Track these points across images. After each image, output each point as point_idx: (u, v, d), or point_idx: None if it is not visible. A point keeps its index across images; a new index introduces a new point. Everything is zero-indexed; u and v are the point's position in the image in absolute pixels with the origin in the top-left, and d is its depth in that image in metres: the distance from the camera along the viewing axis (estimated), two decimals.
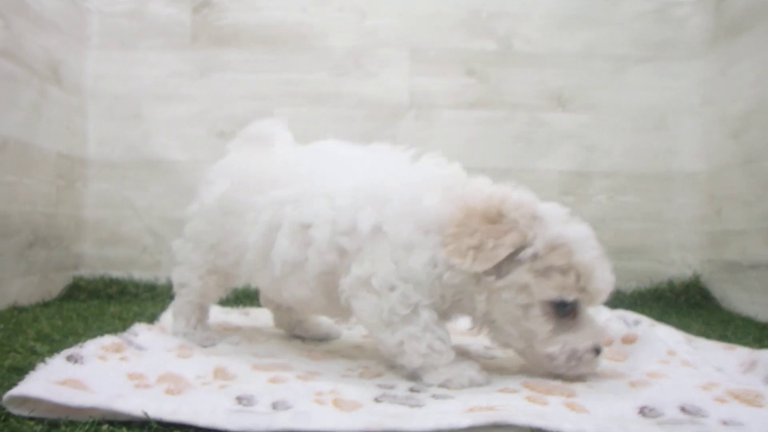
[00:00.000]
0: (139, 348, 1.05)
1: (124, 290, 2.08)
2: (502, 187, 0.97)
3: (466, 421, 0.73)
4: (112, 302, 1.93)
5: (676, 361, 1.02)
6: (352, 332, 1.41)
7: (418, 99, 2.23)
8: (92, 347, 0.95)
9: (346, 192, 0.99)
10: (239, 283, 1.37)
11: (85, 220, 2.23)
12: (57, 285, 2.02)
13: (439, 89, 2.23)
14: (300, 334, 1.35)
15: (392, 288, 0.93)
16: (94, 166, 2.26)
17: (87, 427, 0.71)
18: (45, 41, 1.92)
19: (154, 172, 2.25)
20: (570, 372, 0.93)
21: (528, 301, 0.90)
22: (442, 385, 0.91)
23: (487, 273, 0.90)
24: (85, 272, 2.18)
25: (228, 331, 1.37)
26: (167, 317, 1.39)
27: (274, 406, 0.79)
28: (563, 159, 2.22)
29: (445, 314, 0.99)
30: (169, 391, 0.81)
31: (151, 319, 1.48)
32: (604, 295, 0.92)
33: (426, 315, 0.93)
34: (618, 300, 2.05)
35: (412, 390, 0.91)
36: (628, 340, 1.15)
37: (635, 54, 2.22)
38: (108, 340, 1.01)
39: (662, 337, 1.10)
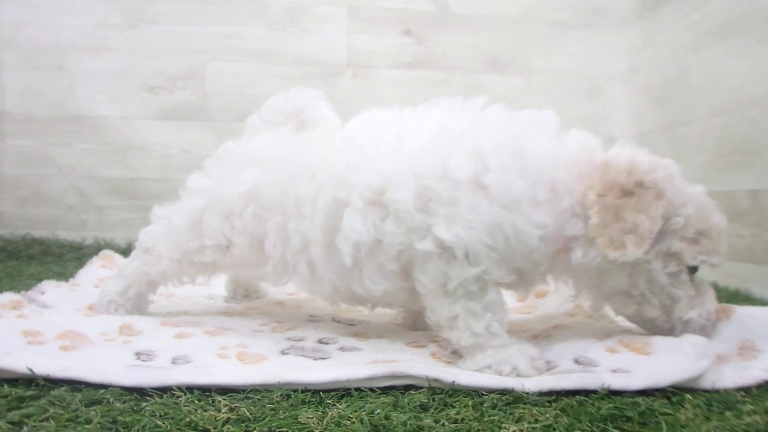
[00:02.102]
0: (44, 306, 1.01)
1: (47, 251, 1.99)
2: (616, 148, 0.88)
3: (364, 372, 0.74)
4: (33, 263, 1.86)
5: (581, 314, 1.06)
6: (277, 290, 1.40)
7: (356, 58, 2.20)
8: None
9: (426, 138, 0.85)
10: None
11: (4, 177, 2.11)
12: None
13: (377, 49, 2.20)
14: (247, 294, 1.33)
15: (477, 263, 0.80)
16: (12, 120, 2.12)
17: None
18: None
19: (80, 128, 2.14)
20: (704, 336, 0.86)
21: (678, 268, 0.84)
22: (478, 371, 0.79)
23: None
24: (5, 232, 2.08)
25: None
26: (83, 274, 1.34)
27: (174, 360, 0.78)
28: None
29: (526, 281, 0.89)
30: (63, 348, 0.79)
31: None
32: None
33: (493, 294, 0.83)
34: None
35: (321, 342, 0.91)
36: (540, 294, 1.19)
37: (571, 20, 2.25)
38: (6, 297, 0.97)
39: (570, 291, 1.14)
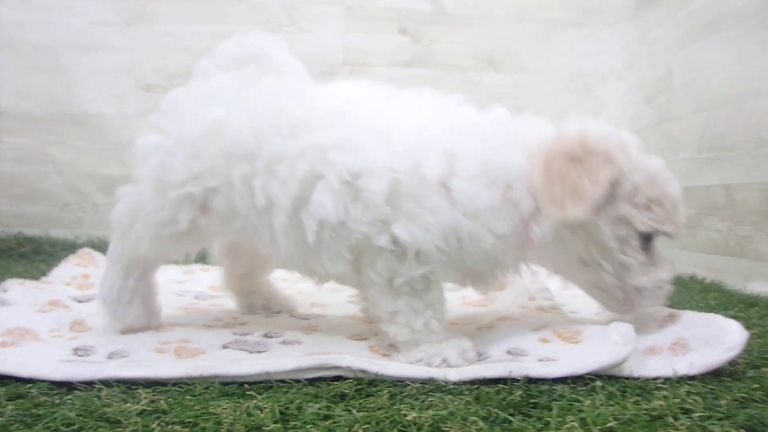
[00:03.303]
0: (3, 304, 1.04)
1: (38, 249, 2.02)
2: (569, 121, 0.88)
3: (291, 364, 0.76)
4: (23, 261, 1.90)
5: (533, 306, 1.06)
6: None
7: (353, 56, 2.21)
8: None
9: (407, 133, 0.84)
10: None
11: (0, 175, 2.15)
12: None
13: (374, 47, 2.21)
14: (252, 306, 1.15)
15: (426, 263, 0.81)
16: (9, 118, 2.15)
17: None
18: None
19: (78, 127, 2.16)
20: (649, 305, 0.89)
21: (627, 234, 0.85)
22: (413, 363, 0.80)
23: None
24: None
25: None
26: (57, 272, 1.38)
27: (110, 356, 0.80)
28: None
29: (483, 279, 0.89)
30: (3, 344, 0.81)
31: None
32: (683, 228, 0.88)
33: (436, 292, 0.84)
34: None
35: (266, 335, 0.92)
36: (500, 287, 1.19)
37: (565, 19, 2.24)
38: None
39: (527, 285, 1.14)
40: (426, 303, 0.83)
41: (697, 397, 0.68)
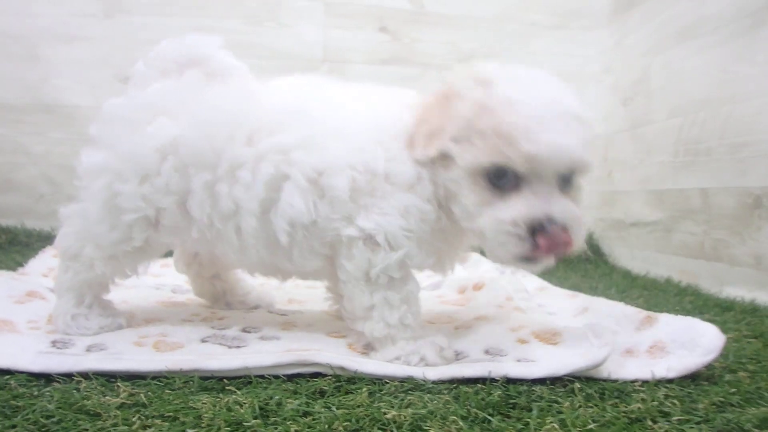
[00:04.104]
0: None
1: (14, 240, 2.00)
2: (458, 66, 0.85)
3: (270, 360, 0.76)
4: None
5: (510, 306, 1.08)
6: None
7: (332, 53, 2.21)
8: None
9: (358, 128, 0.85)
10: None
11: None
12: None
13: (353, 44, 2.21)
14: (223, 307, 1.14)
15: (398, 247, 0.81)
16: None
17: None
18: None
19: (53, 117, 2.14)
20: (501, 252, 0.78)
21: (456, 175, 0.79)
22: (389, 362, 0.81)
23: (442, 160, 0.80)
24: None
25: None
26: (33, 263, 1.36)
27: (89, 348, 0.80)
28: None
29: (445, 258, 0.89)
30: None
31: None
32: (551, 163, 0.75)
33: (412, 284, 0.85)
34: None
35: (244, 330, 0.92)
36: (478, 287, 1.20)
37: (545, 21, 2.27)
38: None
39: (504, 285, 1.16)
40: (402, 296, 0.83)
41: (675, 401, 0.70)
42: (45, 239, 2.05)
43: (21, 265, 1.51)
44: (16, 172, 2.15)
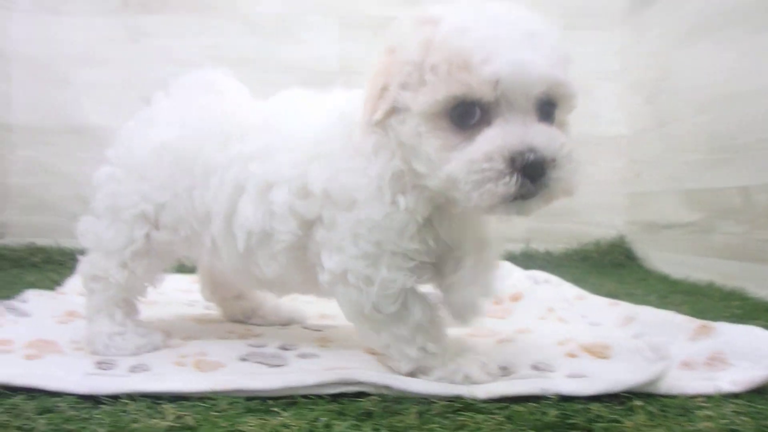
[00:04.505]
0: (23, 315, 1.03)
1: (49, 259, 2.04)
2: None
3: (312, 379, 0.74)
4: (35, 271, 1.90)
5: (553, 317, 1.05)
6: None
7: (348, 65, 2.23)
8: None
9: (303, 142, 0.81)
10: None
11: (11, 186, 2.19)
12: None
13: (368, 56, 2.22)
14: (258, 323, 1.14)
15: (370, 281, 0.75)
16: (19, 131, 2.22)
17: None
18: None
19: (82, 138, 2.22)
20: (477, 197, 0.65)
21: (414, 124, 0.69)
22: (435, 380, 0.76)
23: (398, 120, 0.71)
24: (11, 240, 2.14)
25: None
26: (70, 282, 1.37)
27: (133, 369, 0.80)
28: None
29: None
30: (28, 356, 0.81)
31: None
32: (519, 84, 0.65)
33: (418, 311, 0.76)
34: (546, 261, 2.11)
35: (282, 348, 0.91)
36: (515, 297, 1.18)
37: (562, 20, 2.24)
38: None
39: (544, 295, 1.13)
40: (412, 328, 0.76)
41: (745, 417, 0.66)
42: (78, 257, 2.08)
43: (58, 283, 1.53)
44: (49, 193, 2.21)
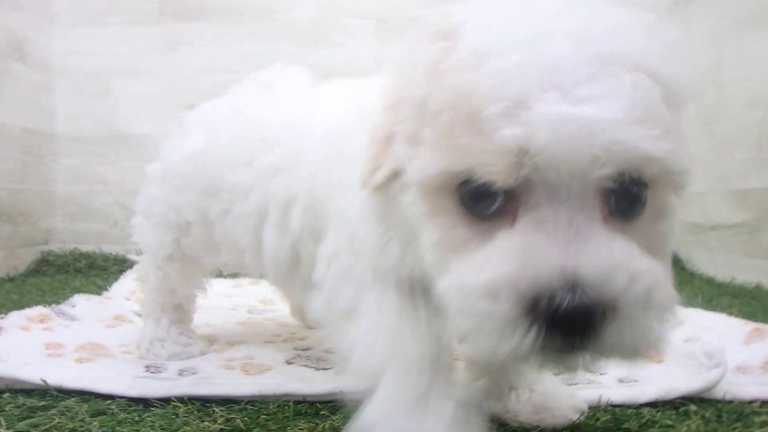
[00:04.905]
0: (72, 319, 1.06)
1: (93, 264, 2.10)
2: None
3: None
4: (80, 276, 1.95)
5: None
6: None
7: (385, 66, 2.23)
8: (15, 318, 0.97)
9: (319, 145, 0.68)
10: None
11: (55, 194, 2.25)
12: (24, 260, 2.03)
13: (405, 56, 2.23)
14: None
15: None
16: (63, 141, 2.28)
17: None
18: (7, 19, 1.92)
19: (124, 146, 2.27)
20: (490, 351, 0.41)
21: (414, 196, 0.47)
22: None
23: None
24: (56, 247, 2.20)
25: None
26: (117, 287, 1.40)
27: (181, 372, 0.81)
28: None
29: None
30: (79, 360, 0.83)
31: None
32: (564, 162, 0.39)
33: (449, 406, 0.53)
34: None
35: (328, 351, 0.92)
36: None
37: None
38: (35, 311, 1.02)
39: None
40: (446, 420, 0.54)
41: None
42: (121, 263, 2.14)
43: (103, 288, 1.57)
44: (93, 200, 2.27)
